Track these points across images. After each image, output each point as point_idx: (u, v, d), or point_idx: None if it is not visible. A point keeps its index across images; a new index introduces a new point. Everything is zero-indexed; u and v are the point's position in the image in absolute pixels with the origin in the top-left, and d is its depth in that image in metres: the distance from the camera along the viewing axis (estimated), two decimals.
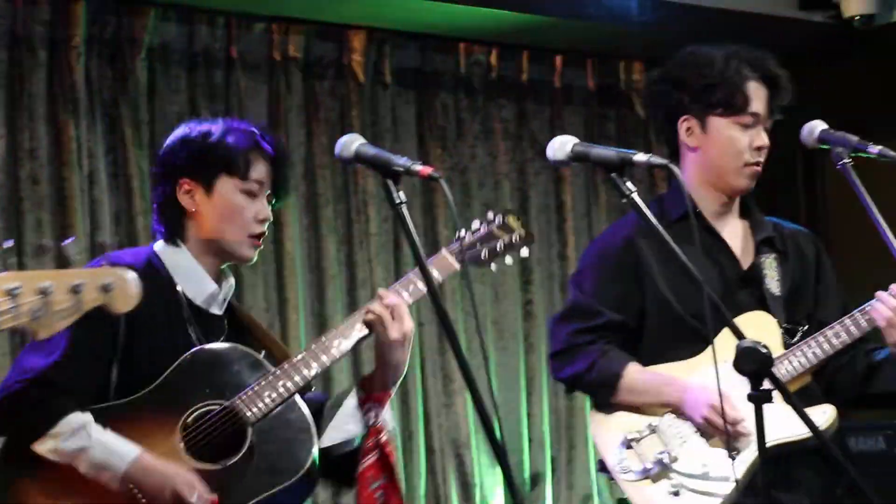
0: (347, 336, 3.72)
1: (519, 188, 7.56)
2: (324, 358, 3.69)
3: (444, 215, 7.16)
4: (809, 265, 4.26)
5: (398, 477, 3.78)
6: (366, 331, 3.72)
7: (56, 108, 6.18)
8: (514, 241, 3.83)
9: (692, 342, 4.02)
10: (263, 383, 3.64)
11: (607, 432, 4.09)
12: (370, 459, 3.73)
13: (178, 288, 3.72)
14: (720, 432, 3.94)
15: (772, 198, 4.33)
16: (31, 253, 6.03)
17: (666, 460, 4.00)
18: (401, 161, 3.29)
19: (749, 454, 3.93)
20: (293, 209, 6.75)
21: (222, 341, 3.72)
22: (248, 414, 3.61)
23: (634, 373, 4.08)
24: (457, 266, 3.75)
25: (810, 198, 7.81)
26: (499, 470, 3.29)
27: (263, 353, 3.78)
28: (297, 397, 3.68)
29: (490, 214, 3.85)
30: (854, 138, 3.93)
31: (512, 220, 3.83)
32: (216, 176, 3.71)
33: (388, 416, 3.80)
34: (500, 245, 3.81)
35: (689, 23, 7.12)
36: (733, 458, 3.93)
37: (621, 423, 4.08)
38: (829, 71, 7.41)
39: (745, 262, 4.19)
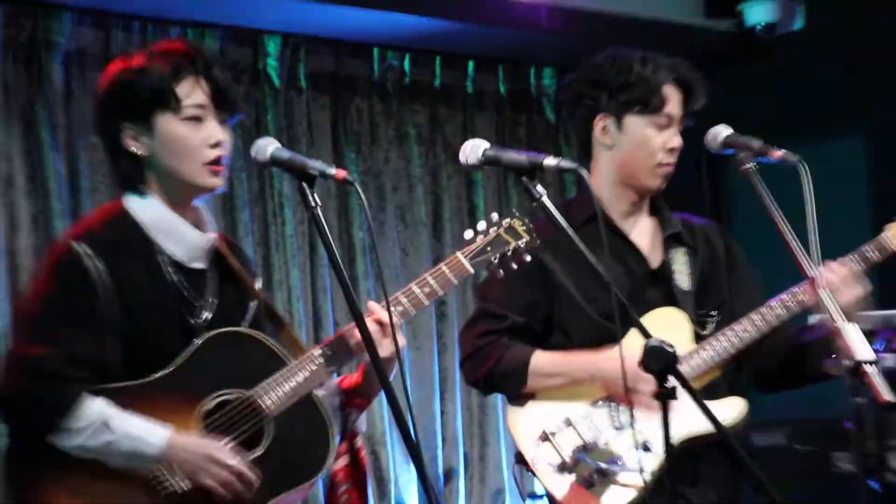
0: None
1: (432, 192, 7.61)
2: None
3: (358, 218, 7.20)
4: (719, 256, 4.29)
5: (366, 480, 3.74)
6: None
7: None
8: (520, 246, 3.71)
9: (603, 343, 4.02)
10: (284, 375, 3.51)
11: (525, 427, 4.11)
12: (342, 462, 3.67)
13: (158, 247, 3.54)
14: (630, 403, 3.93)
15: (677, 202, 4.38)
16: None
17: (582, 452, 4.03)
18: (316, 164, 3.30)
19: (662, 446, 3.99)
20: (209, 213, 6.75)
21: (212, 300, 3.57)
22: (268, 406, 3.48)
23: (541, 356, 4.10)
24: (471, 269, 3.66)
25: (715, 202, 7.91)
26: (413, 466, 3.30)
27: (255, 303, 3.65)
28: (314, 391, 3.57)
29: (495, 216, 3.73)
30: (757, 143, 3.93)
31: (518, 225, 3.72)
32: (151, 114, 3.50)
33: (362, 420, 3.73)
34: (507, 250, 3.70)
35: (599, 29, 7.17)
36: (648, 450, 3.97)
37: (538, 417, 4.09)
38: (733, 77, 7.52)
39: (654, 260, 4.22)
